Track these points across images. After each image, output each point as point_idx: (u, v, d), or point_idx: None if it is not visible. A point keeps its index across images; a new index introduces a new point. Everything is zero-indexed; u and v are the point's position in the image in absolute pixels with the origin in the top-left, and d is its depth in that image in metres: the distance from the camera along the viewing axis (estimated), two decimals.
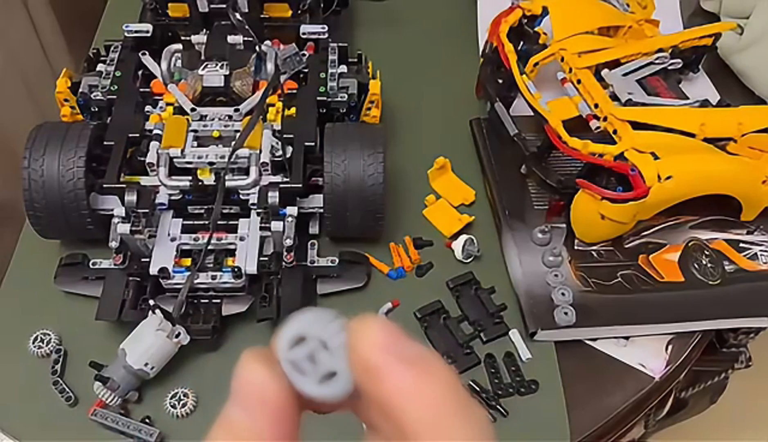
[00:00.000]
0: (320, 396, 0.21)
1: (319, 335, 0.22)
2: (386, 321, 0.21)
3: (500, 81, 0.72)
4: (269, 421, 0.21)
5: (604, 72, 0.71)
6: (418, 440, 0.19)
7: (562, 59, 0.70)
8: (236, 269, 0.57)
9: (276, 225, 0.57)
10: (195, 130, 0.62)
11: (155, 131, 0.61)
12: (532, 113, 0.67)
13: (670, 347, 0.60)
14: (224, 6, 0.68)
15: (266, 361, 0.22)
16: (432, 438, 0.19)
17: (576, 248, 0.64)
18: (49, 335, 0.58)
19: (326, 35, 0.71)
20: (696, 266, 0.63)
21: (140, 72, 0.69)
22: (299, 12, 0.74)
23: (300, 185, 0.59)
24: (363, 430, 0.24)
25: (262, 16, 0.73)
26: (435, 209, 0.68)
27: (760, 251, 0.65)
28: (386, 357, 0.20)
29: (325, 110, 0.66)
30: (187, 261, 0.59)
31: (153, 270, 0.57)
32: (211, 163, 0.60)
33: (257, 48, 0.66)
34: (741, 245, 0.65)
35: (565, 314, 0.59)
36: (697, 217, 0.66)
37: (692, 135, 0.64)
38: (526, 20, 0.74)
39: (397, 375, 0.20)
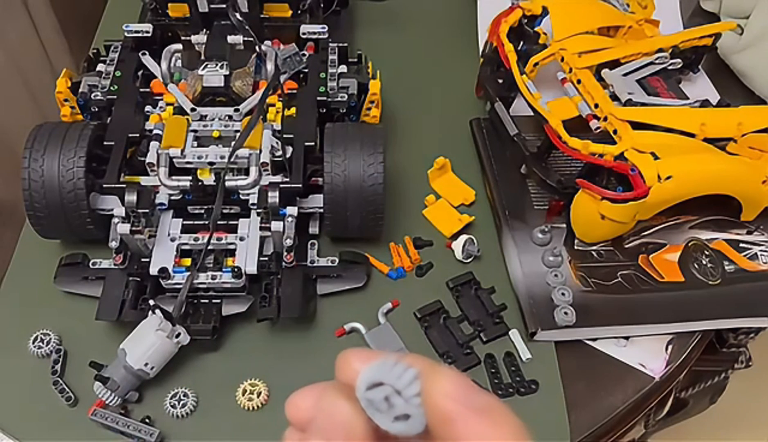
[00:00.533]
0: (395, 431, 0.23)
1: (393, 383, 0.23)
2: (457, 372, 0.23)
3: (500, 81, 0.72)
4: None
5: (604, 72, 0.71)
6: None
7: (562, 59, 0.70)
8: (236, 269, 0.57)
9: (276, 225, 0.57)
10: (195, 130, 0.62)
11: (155, 131, 0.61)
12: (532, 113, 0.67)
13: (670, 347, 0.60)
14: (224, 6, 0.68)
15: (349, 396, 0.24)
16: None
17: (576, 248, 0.64)
18: (49, 335, 0.58)
19: (326, 35, 0.71)
20: (696, 266, 0.63)
21: (140, 72, 0.69)
22: (299, 12, 0.74)
23: (300, 185, 0.59)
24: None
25: (262, 16, 0.73)
26: (435, 209, 0.68)
27: (760, 251, 0.65)
28: (459, 407, 0.22)
29: (325, 110, 0.66)
30: (187, 261, 0.59)
31: (153, 270, 0.57)
32: (211, 163, 0.60)
33: (257, 48, 0.67)
34: (741, 245, 0.65)
35: (565, 314, 0.59)
36: (697, 217, 0.66)
37: (692, 135, 0.64)
38: (526, 20, 0.74)
39: (470, 424, 0.22)
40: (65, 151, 0.58)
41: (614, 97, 0.69)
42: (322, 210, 0.61)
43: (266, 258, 0.60)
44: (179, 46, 0.68)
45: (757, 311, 0.62)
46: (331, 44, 0.71)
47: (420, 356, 0.25)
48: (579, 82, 0.69)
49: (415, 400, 0.23)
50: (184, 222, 0.61)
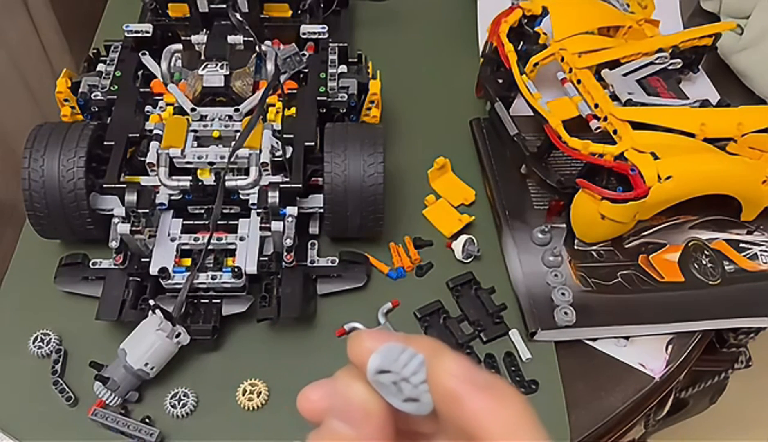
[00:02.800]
0: (406, 410, 0.24)
1: (400, 372, 0.24)
2: (458, 353, 0.24)
3: (500, 81, 0.72)
4: (373, 433, 0.24)
5: (604, 72, 0.71)
6: None
7: (562, 59, 0.70)
8: (236, 269, 0.57)
9: (276, 225, 0.57)
10: (195, 130, 0.62)
11: (155, 131, 0.61)
12: (532, 113, 0.67)
13: (670, 347, 0.60)
14: (224, 6, 0.68)
15: (363, 379, 0.25)
16: None
17: (576, 248, 0.64)
18: (49, 335, 0.58)
19: (326, 35, 0.71)
20: (696, 266, 0.63)
21: (140, 72, 0.69)
22: (299, 12, 0.74)
23: (300, 185, 0.59)
24: None
25: (262, 16, 0.73)
26: (435, 209, 0.68)
27: (760, 251, 0.65)
28: (464, 385, 0.23)
29: (325, 110, 0.66)
30: (187, 261, 0.59)
31: (153, 270, 0.57)
32: (211, 163, 0.60)
33: (257, 48, 0.67)
34: (741, 245, 0.65)
35: (565, 314, 0.59)
36: (697, 217, 0.66)
37: (692, 135, 0.64)
38: (526, 20, 0.74)
39: (476, 400, 0.23)
40: (65, 151, 0.58)
41: (614, 97, 0.69)
42: (322, 210, 0.61)
43: (266, 258, 0.60)
44: (179, 46, 0.68)
45: (757, 311, 0.62)
46: (331, 44, 0.71)
47: (425, 337, 0.25)
48: (579, 82, 0.69)
49: (422, 386, 0.24)
50: (184, 222, 0.61)
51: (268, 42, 0.70)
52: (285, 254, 0.59)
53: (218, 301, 0.58)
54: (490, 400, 0.23)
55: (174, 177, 0.59)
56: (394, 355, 0.24)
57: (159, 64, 0.67)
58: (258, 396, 0.55)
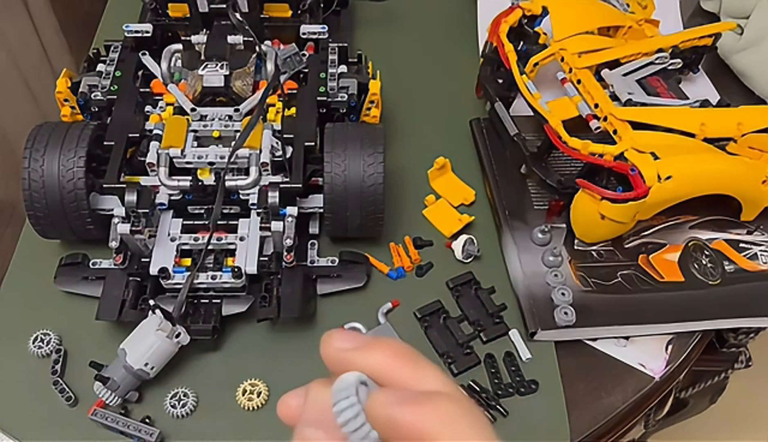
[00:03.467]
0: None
1: (347, 427, 0.25)
2: (393, 360, 0.26)
3: (500, 81, 0.72)
4: (342, 436, 0.25)
5: (604, 72, 0.71)
6: None
7: (562, 59, 0.70)
8: (236, 269, 0.57)
9: (276, 225, 0.57)
10: (195, 130, 0.62)
11: (155, 131, 0.61)
12: (532, 113, 0.67)
13: (670, 347, 0.60)
14: (224, 6, 0.68)
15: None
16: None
17: (576, 248, 0.64)
18: (49, 335, 0.58)
19: (326, 35, 0.71)
20: (696, 266, 0.63)
21: (140, 72, 0.69)
22: (299, 12, 0.74)
23: (300, 185, 0.59)
24: None
25: (262, 16, 0.73)
26: (435, 209, 0.68)
27: (760, 251, 0.65)
28: (393, 408, 0.24)
29: (325, 110, 0.66)
30: (187, 261, 0.59)
31: (153, 270, 0.57)
32: (211, 163, 0.60)
33: (257, 48, 0.66)
34: (741, 245, 0.65)
35: (565, 314, 0.59)
36: (697, 217, 0.66)
37: (692, 135, 0.64)
38: (526, 20, 0.74)
39: (408, 416, 0.24)
40: (65, 151, 0.58)
41: (614, 97, 0.69)
42: (322, 210, 0.61)
43: (266, 258, 0.60)
44: (179, 46, 0.68)
45: (757, 311, 0.62)
46: (331, 44, 0.71)
47: (381, 349, 0.26)
48: (579, 82, 0.69)
49: (365, 428, 0.25)
50: (184, 222, 0.61)
51: (268, 42, 0.70)
52: (285, 254, 0.59)
53: (218, 301, 0.58)
54: (421, 411, 0.24)
55: (174, 177, 0.59)
56: (340, 409, 0.25)
57: (159, 64, 0.67)
58: (258, 396, 0.55)
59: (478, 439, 0.24)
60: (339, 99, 0.67)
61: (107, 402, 0.53)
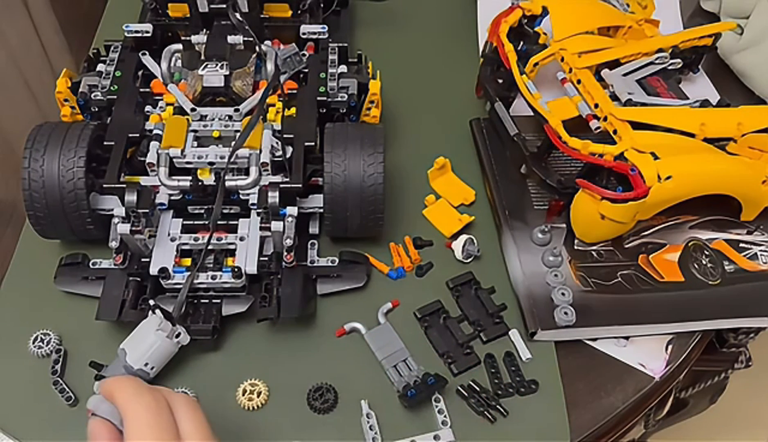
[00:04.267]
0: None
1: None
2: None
3: (500, 81, 0.72)
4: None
5: (604, 72, 0.71)
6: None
7: (562, 59, 0.71)
8: (236, 269, 0.57)
9: (276, 225, 0.57)
10: (195, 130, 0.62)
11: (155, 131, 0.61)
12: (532, 113, 0.67)
13: (670, 347, 0.60)
14: (224, 6, 0.68)
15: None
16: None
17: (576, 248, 0.64)
18: (49, 335, 0.58)
19: (326, 35, 0.71)
20: (696, 266, 0.63)
21: (140, 72, 0.69)
22: (299, 12, 0.74)
23: (300, 185, 0.59)
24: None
25: (262, 16, 0.73)
26: (435, 209, 0.68)
27: (760, 251, 0.65)
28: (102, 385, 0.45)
29: (325, 110, 0.66)
30: (187, 261, 0.59)
31: (153, 270, 0.57)
32: (211, 163, 0.60)
33: (257, 48, 0.67)
34: (741, 245, 0.65)
35: (565, 314, 0.59)
36: (697, 217, 0.66)
37: (692, 135, 0.64)
38: (526, 20, 0.74)
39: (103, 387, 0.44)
40: (65, 151, 0.58)
41: (614, 97, 0.69)
42: (322, 210, 0.61)
43: (266, 258, 0.60)
44: (179, 46, 0.68)
45: (757, 311, 0.62)
46: (331, 44, 0.71)
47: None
48: (579, 82, 0.69)
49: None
50: (184, 222, 0.61)
51: (268, 42, 0.70)
52: (285, 254, 0.59)
53: (218, 301, 0.58)
54: (108, 383, 0.44)
55: (174, 177, 0.59)
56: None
57: (159, 64, 0.67)
58: (258, 396, 0.55)
59: (133, 390, 0.42)
60: (339, 99, 0.67)
61: None
